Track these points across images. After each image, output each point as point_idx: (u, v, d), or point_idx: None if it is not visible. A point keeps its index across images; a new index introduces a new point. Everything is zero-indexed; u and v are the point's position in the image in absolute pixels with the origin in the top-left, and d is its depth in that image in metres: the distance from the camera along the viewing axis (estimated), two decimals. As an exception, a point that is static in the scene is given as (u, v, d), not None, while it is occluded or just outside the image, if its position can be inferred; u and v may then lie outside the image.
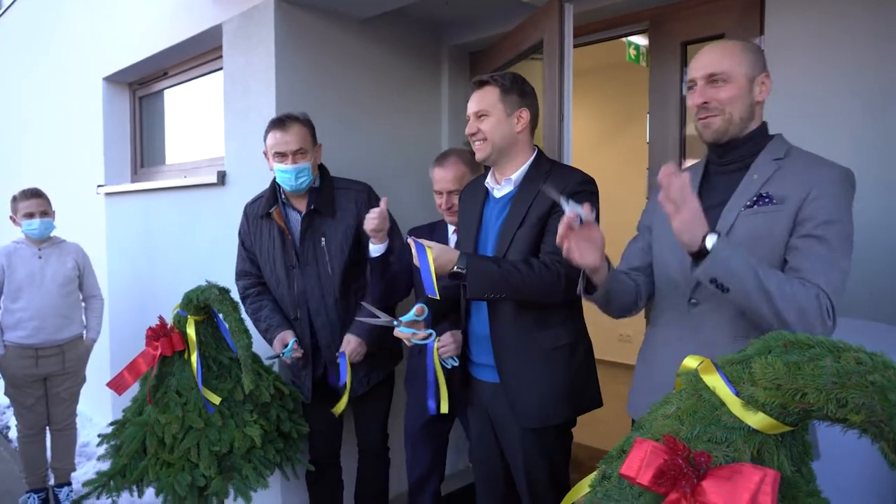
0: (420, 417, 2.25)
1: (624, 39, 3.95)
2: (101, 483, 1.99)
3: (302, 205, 2.20)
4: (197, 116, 3.38)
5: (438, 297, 1.58)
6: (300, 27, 2.52)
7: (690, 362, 0.97)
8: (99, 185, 3.79)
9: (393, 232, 2.27)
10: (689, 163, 2.42)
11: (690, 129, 2.44)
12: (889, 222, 1.85)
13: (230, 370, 2.09)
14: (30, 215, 2.88)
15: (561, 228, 1.31)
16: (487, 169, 1.86)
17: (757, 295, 1.18)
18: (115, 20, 3.61)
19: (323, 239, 2.17)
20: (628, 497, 0.90)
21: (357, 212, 2.15)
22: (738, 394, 0.85)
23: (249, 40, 2.57)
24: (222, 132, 2.80)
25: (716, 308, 1.33)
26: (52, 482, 3.09)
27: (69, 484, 3.07)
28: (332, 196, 2.20)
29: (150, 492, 2.08)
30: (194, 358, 2.02)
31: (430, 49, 3.03)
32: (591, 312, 2.00)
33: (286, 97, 2.46)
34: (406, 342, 1.69)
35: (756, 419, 0.82)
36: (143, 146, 3.83)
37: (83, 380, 3.10)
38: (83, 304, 3.10)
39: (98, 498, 2.01)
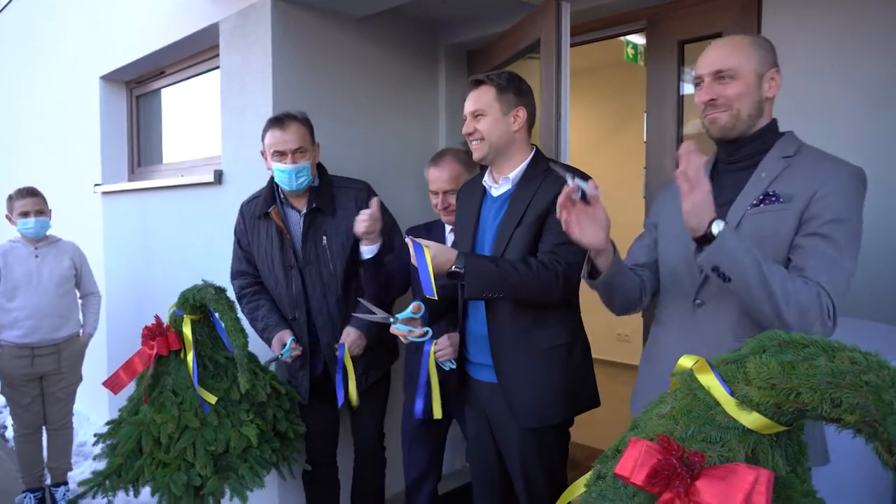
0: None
1: (622, 38, 3.95)
2: (97, 483, 1.98)
3: (300, 204, 2.19)
4: (194, 115, 3.37)
5: (436, 298, 1.57)
6: (297, 26, 2.51)
7: (686, 361, 0.97)
8: (96, 184, 3.78)
9: (393, 230, 2.27)
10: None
11: (688, 129, 2.44)
12: (889, 222, 1.85)
13: (226, 369, 2.09)
14: (25, 214, 2.87)
15: (561, 198, 1.30)
16: (484, 168, 1.86)
17: (758, 288, 1.16)
18: (111, 19, 3.60)
19: (324, 238, 2.16)
20: (623, 497, 0.89)
21: (357, 210, 2.14)
22: (732, 393, 0.84)
23: (246, 39, 2.56)
24: (219, 131, 2.79)
25: (720, 309, 1.31)
26: (48, 482, 3.08)
27: (66, 483, 3.06)
28: (332, 195, 2.20)
29: (145, 491, 2.07)
30: (190, 357, 2.01)
31: (427, 48, 3.03)
32: (589, 312, 2.00)
33: (283, 96, 2.46)
34: (402, 339, 1.67)
35: (750, 419, 0.82)
36: (140, 145, 3.82)
37: (79, 379, 3.09)
38: (80, 302, 3.10)
39: (94, 497, 2.01)
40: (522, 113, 1.72)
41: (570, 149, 2.16)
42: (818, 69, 2.01)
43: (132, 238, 3.53)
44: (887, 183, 1.85)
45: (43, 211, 2.93)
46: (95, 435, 2.13)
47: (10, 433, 3.71)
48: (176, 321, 2.08)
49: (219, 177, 2.77)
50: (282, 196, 2.20)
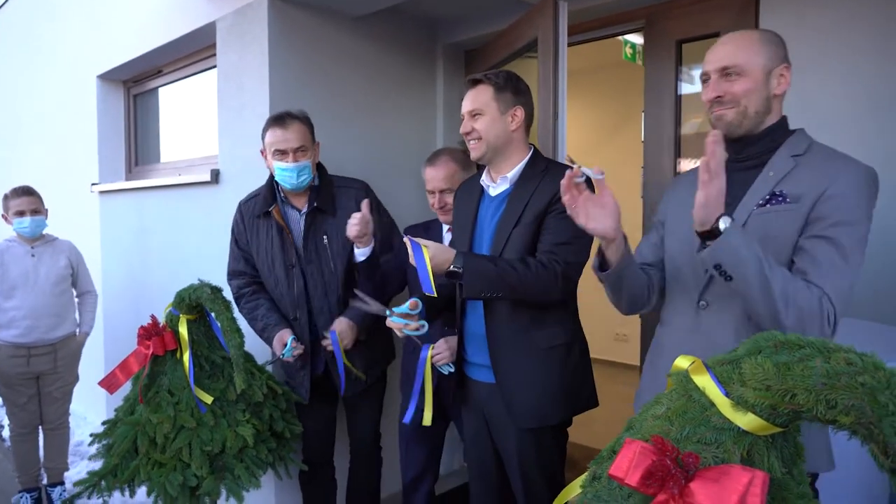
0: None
1: (620, 38, 3.95)
2: (92, 483, 1.98)
3: (300, 203, 2.19)
4: (191, 114, 3.36)
5: (436, 295, 1.57)
6: (294, 24, 2.51)
7: (682, 362, 0.96)
8: (93, 184, 3.77)
9: (392, 230, 2.26)
10: (684, 163, 2.42)
11: (686, 129, 2.44)
12: (890, 222, 1.84)
13: (222, 369, 2.08)
14: (20, 213, 2.86)
15: (564, 180, 1.28)
16: (480, 167, 1.85)
17: (758, 288, 1.14)
18: (109, 18, 3.60)
19: (325, 237, 2.16)
20: (618, 498, 0.89)
21: (357, 209, 2.14)
22: (727, 394, 0.84)
23: (243, 38, 2.55)
24: (216, 130, 2.78)
25: (725, 310, 1.29)
26: (45, 482, 3.07)
27: (62, 483, 3.06)
28: (332, 194, 2.19)
29: (141, 492, 2.06)
30: (186, 357, 2.01)
31: (425, 47, 3.02)
32: (588, 312, 2.00)
33: (280, 95, 2.45)
34: (398, 333, 1.66)
35: (745, 420, 0.81)
36: (138, 144, 3.81)
37: (76, 378, 3.08)
38: (76, 301, 3.09)
39: (89, 498, 2.00)
40: (520, 112, 1.71)
41: (568, 149, 2.15)
42: (817, 68, 2.00)
43: (129, 237, 3.52)
44: (887, 182, 1.84)
45: (39, 210, 2.92)
46: (91, 435, 2.13)
47: (6, 433, 3.70)
48: (172, 321, 2.07)
49: (215, 176, 2.76)
50: (282, 195, 2.19)
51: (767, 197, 1.25)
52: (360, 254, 2.00)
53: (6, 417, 3.19)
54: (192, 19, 2.85)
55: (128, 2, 3.38)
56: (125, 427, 2.01)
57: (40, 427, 3.00)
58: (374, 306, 1.68)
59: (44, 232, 2.98)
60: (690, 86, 2.42)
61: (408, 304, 1.64)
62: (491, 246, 1.72)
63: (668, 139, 2.41)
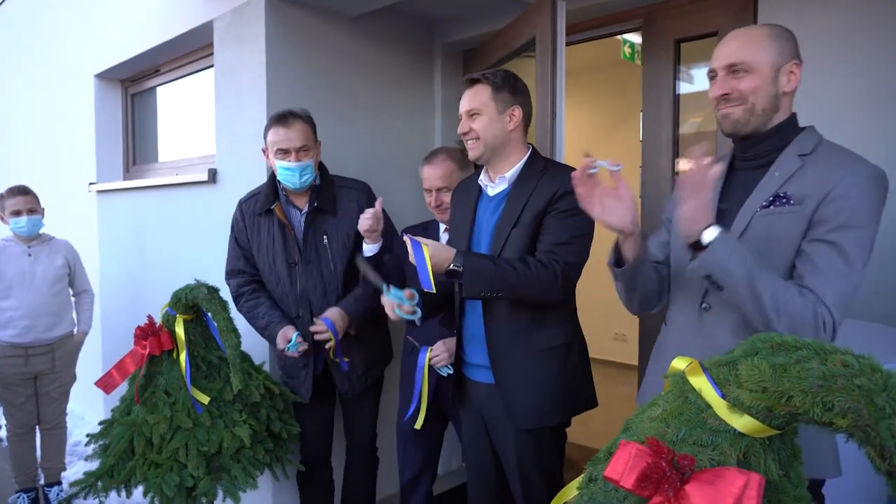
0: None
1: (619, 37, 3.94)
2: (88, 483, 1.97)
3: (301, 202, 2.18)
4: (189, 114, 3.36)
5: (435, 291, 1.56)
6: (291, 24, 2.50)
7: (679, 363, 0.96)
8: (91, 183, 3.76)
9: (388, 231, 2.26)
10: (682, 162, 2.41)
11: (684, 128, 2.43)
12: (890, 223, 1.83)
13: (219, 370, 2.07)
14: (17, 213, 2.85)
15: (577, 172, 1.27)
16: (478, 167, 1.84)
17: (749, 299, 1.13)
18: (106, 17, 3.59)
19: (325, 237, 2.15)
20: (613, 500, 0.88)
21: (358, 211, 2.13)
22: (724, 396, 0.83)
23: (240, 37, 2.55)
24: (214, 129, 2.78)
25: (727, 313, 1.27)
26: (42, 482, 3.06)
27: (59, 483, 3.05)
28: (333, 195, 2.18)
29: (138, 492, 2.06)
30: (183, 357, 2.00)
31: (423, 46, 3.01)
32: (587, 312, 1.99)
33: (277, 94, 2.45)
34: (389, 313, 1.64)
35: (742, 422, 0.81)
36: (136, 144, 3.80)
37: (73, 378, 3.08)
38: (73, 300, 3.08)
39: (85, 498, 2.00)
40: (518, 112, 1.71)
41: (566, 148, 2.14)
42: (817, 67, 1.99)
43: (127, 237, 3.51)
44: (889, 181, 1.84)
45: (35, 209, 2.91)
46: (88, 435, 2.12)
47: (3, 433, 3.69)
48: (168, 321, 2.06)
49: (213, 175, 2.76)
50: (283, 194, 2.18)
51: (771, 198, 1.23)
52: (369, 250, 2.00)
53: (3, 417, 3.19)
54: (190, 18, 2.84)
55: (125, 1, 3.37)
56: (121, 427, 2.01)
57: (37, 427, 3.00)
58: (372, 276, 1.68)
59: (41, 231, 2.97)
60: (689, 85, 2.42)
61: (404, 291, 1.63)
62: (490, 246, 1.71)
63: (667, 139, 2.41)
